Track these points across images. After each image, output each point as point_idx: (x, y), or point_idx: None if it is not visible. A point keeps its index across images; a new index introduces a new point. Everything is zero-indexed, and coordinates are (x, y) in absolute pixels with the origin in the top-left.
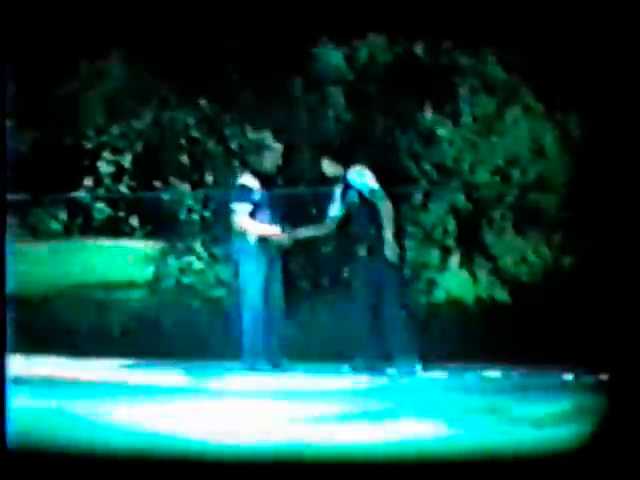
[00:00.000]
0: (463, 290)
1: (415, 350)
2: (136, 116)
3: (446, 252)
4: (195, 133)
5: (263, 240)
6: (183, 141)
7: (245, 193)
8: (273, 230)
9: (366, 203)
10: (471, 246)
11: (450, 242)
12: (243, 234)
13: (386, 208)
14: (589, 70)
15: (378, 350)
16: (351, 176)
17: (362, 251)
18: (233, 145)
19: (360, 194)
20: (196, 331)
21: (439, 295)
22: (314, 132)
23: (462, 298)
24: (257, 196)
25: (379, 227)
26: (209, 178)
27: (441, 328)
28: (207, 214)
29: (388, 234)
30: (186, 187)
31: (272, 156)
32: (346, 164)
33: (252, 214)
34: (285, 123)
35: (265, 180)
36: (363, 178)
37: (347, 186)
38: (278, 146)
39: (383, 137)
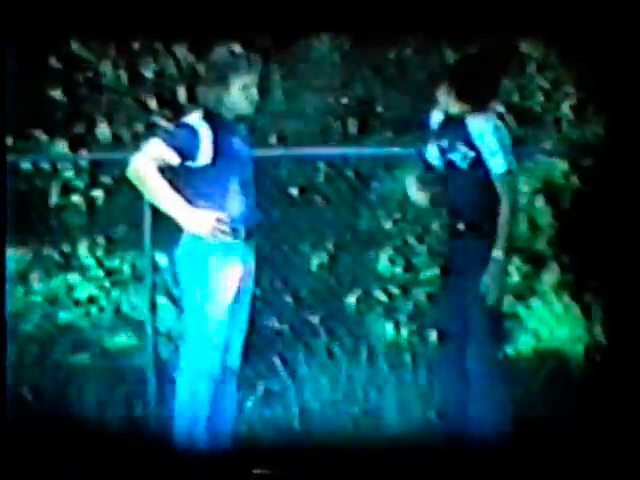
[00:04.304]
0: (565, 334)
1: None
2: None
3: (536, 265)
4: (77, 50)
5: (242, 239)
6: (58, 64)
7: (180, 136)
8: (197, 214)
9: (479, 173)
10: (581, 255)
11: (542, 247)
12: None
13: (514, 195)
14: None
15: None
16: (476, 124)
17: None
18: (147, 72)
19: (477, 156)
20: (82, 408)
21: (524, 342)
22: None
23: (563, 348)
24: (204, 151)
25: (492, 219)
26: (103, 131)
27: (529, 397)
28: (98, 194)
29: (503, 233)
30: (62, 146)
31: (240, 92)
32: (478, 104)
33: (184, 184)
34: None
35: (226, 129)
36: (494, 133)
37: (458, 135)
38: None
39: None
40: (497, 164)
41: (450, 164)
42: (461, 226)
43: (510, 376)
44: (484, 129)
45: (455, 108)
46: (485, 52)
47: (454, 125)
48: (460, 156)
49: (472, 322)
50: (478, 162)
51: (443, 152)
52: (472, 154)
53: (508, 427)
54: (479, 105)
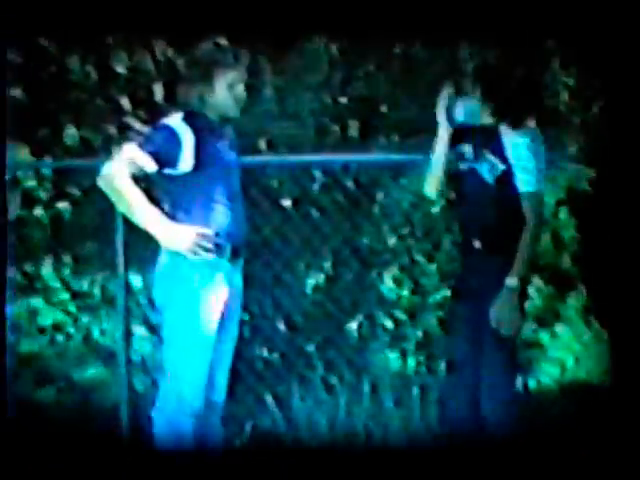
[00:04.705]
0: (593, 364)
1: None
2: None
3: (560, 286)
4: (41, 42)
5: (226, 258)
6: (19, 59)
7: (158, 140)
8: (185, 233)
9: (504, 188)
10: (611, 275)
11: (567, 265)
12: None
13: (538, 220)
14: None
15: None
16: (513, 135)
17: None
18: (120, 68)
19: (507, 170)
20: (48, 447)
21: (547, 373)
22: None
23: (591, 380)
24: (185, 157)
25: (511, 239)
26: (70, 135)
27: (553, 433)
28: (64, 207)
29: (521, 259)
30: (23, 151)
31: (227, 93)
32: (508, 114)
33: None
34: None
35: (211, 134)
36: (530, 147)
37: (488, 143)
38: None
39: None
40: (527, 181)
41: (472, 172)
42: (477, 243)
43: (531, 410)
44: (520, 142)
45: (486, 119)
46: (521, 53)
47: (482, 131)
48: (487, 167)
49: (485, 352)
50: (506, 177)
51: (461, 157)
52: (502, 167)
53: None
54: (517, 119)
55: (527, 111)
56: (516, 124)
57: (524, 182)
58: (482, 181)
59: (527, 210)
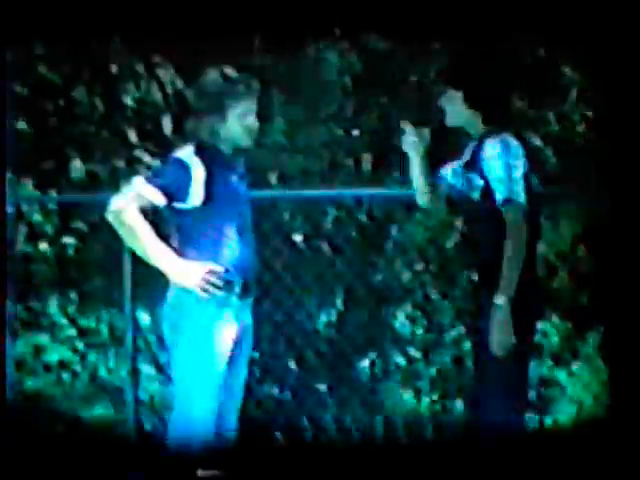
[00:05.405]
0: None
1: None
2: None
3: (578, 323)
4: (45, 73)
5: (237, 292)
6: (23, 91)
7: (168, 174)
8: (189, 268)
9: (486, 204)
10: (631, 312)
11: (585, 302)
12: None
13: (517, 231)
14: None
15: None
16: (489, 146)
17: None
18: (127, 100)
19: (486, 185)
20: None
21: (565, 412)
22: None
23: (610, 419)
24: (196, 191)
25: (494, 261)
26: (76, 168)
27: (570, 473)
28: (70, 242)
29: (505, 276)
30: (27, 185)
31: (241, 125)
32: (492, 117)
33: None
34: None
35: (222, 166)
36: (503, 156)
37: (474, 157)
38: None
39: None
40: (502, 193)
41: (465, 196)
42: (475, 277)
43: (548, 449)
44: (492, 153)
45: (464, 115)
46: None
47: (474, 150)
48: (472, 185)
49: (484, 377)
50: (488, 192)
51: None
52: (481, 183)
53: None
54: (501, 120)
55: (504, 111)
56: (499, 128)
57: (500, 194)
58: (471, 201)
59: (506, 223)
